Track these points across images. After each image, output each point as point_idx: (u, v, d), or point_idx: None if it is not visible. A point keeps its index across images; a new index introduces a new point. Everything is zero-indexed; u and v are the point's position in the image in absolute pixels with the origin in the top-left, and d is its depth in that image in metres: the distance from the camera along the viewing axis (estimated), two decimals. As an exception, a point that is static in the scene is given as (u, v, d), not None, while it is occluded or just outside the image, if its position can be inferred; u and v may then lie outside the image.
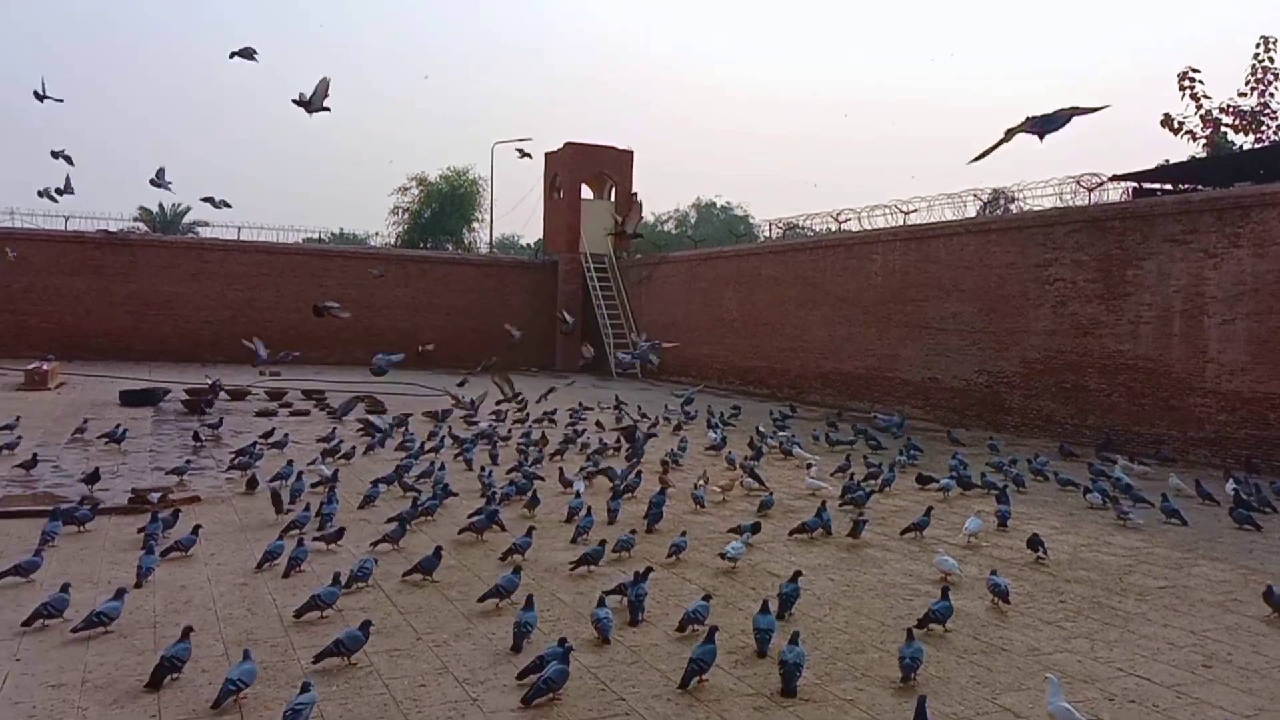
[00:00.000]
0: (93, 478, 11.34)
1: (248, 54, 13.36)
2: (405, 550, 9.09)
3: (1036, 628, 7.44)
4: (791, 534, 10.18)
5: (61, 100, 17.66)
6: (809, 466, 14.29)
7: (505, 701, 5.70)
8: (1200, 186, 19.51)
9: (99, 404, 19.92)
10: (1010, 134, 7.39)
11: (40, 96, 17.27)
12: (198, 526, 9.09)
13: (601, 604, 6.99)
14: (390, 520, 9.72)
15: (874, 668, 6.46)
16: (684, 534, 9.43)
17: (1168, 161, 21.94)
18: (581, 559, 8.57)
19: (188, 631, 6.10)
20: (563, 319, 29.42)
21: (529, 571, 8.50)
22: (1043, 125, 8.21)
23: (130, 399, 20.28)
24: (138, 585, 7.64)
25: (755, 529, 9.83)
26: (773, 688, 6.01)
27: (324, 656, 6.08)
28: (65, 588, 6.98)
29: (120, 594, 6.87)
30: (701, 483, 12.73)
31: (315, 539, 9.12)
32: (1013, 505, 11.53)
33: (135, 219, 48.78)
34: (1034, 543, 9.64)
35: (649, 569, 7.89)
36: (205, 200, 20.33)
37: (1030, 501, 12.70)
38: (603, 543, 9.04)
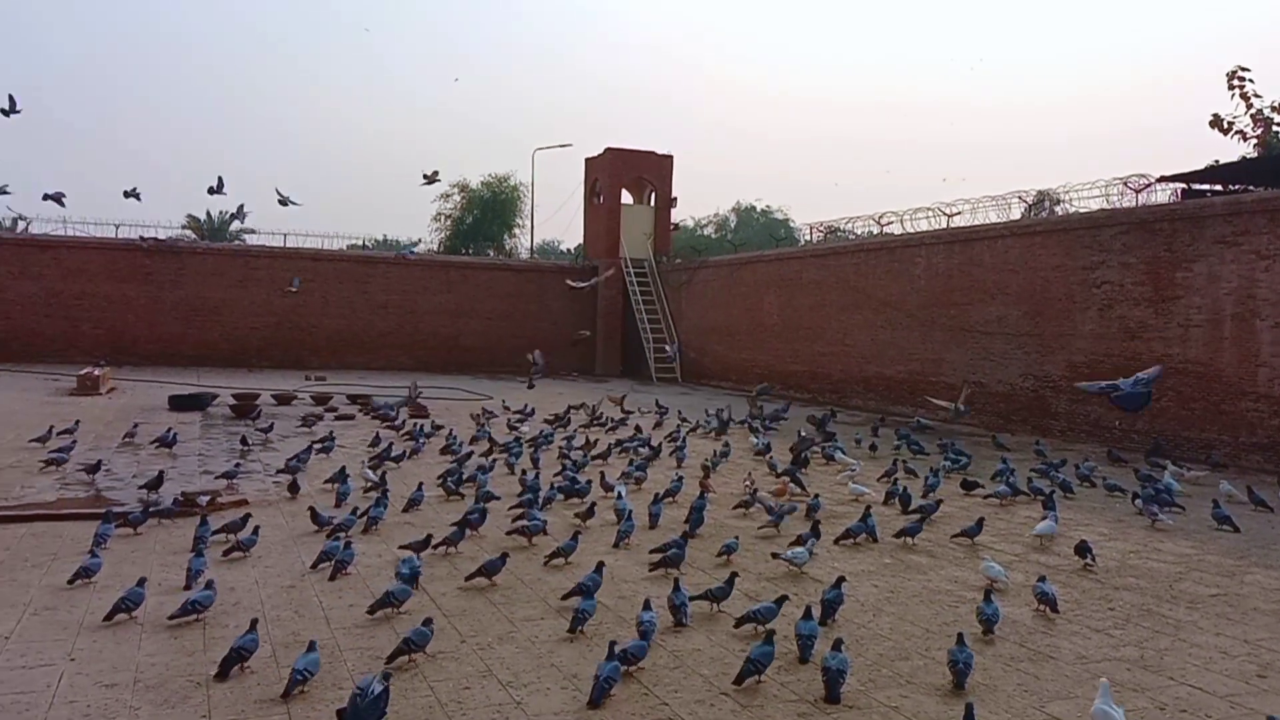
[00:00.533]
0: (156, 483, 11.54)
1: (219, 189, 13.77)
2: (455, 554, 9.17)
3: (1085, 635, 7.34)
4: (837, 541, 10.12)
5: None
6: (851, 471, 14.21)
7: (549, 705, 5.72)
8: (1251, 187, 19.12)
9: (149, 408, 20.28)
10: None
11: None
12: (257, 527, 9.27)
13: (647, 607, 7.00)
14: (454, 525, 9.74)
15: (919, 675, 6.40)
16: (735, 537, 9.55)
17: (1217, 162, 21.55)
18: (661, 561, 8.68)
19: (254, 623, 6.35)
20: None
21: (571, 575, 8.53)
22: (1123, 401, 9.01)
23: (179, 404, 20.63)
24: (187, 587, 7.77)
25: (816, 534, 9.74)
26: (816, 694, 5.98)
27: (396, 656, 6.23)
28: (141, 582, 7.22)
29: (210, 584, 7.26)
30: (749, 484, 12.77)
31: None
32: (1060, 511, 11.38)
33: (183, 227, 49.65)
34: (1082, 549, 9.51)
35: (734, 574, 7.98)
36: (280, 202, 20.70)
37: (1078, 508, 12.52)
38: (684, 537, 9.22)
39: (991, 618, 7.23)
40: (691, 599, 7.51)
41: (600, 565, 8.01)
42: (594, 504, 11.11)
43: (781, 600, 7.23)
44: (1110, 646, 7.10)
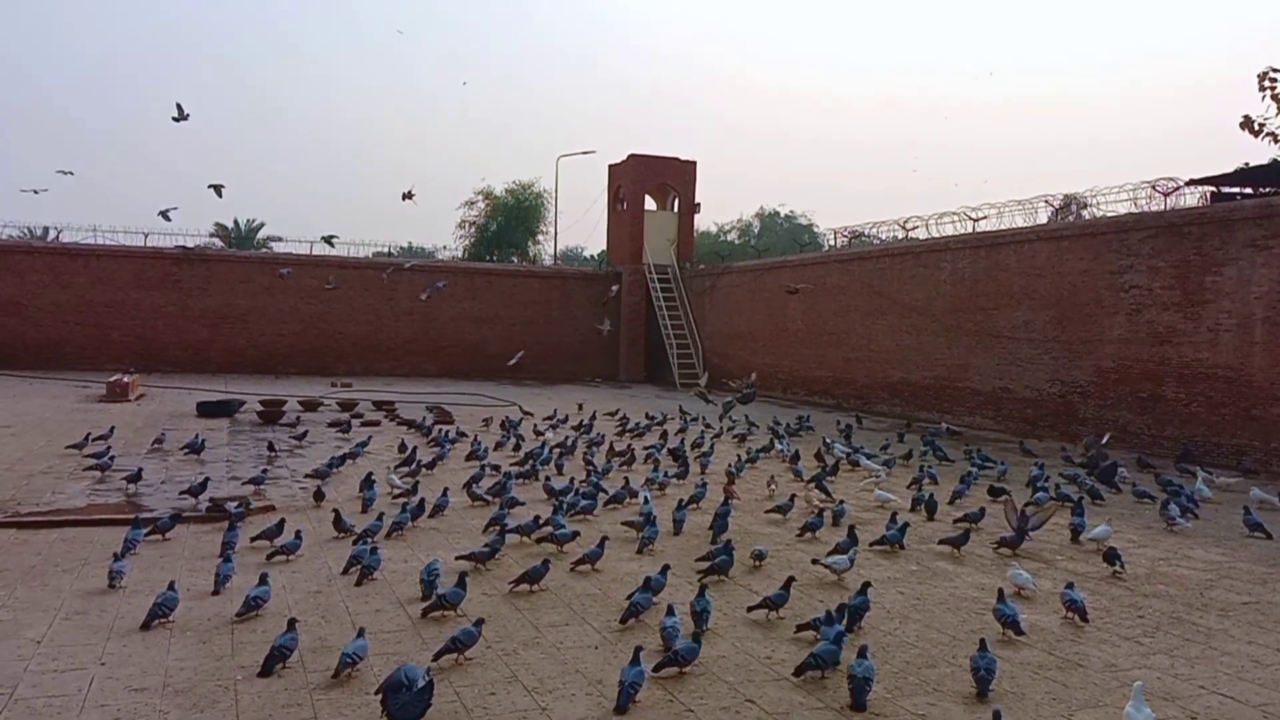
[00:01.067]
0: (199, 488, 11.69)
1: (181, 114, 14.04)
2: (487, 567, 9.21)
3: (1114, 643, 7.27)
4: (871, 545, 10.07)
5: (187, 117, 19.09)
6: (876, 478, 14.15)
7: (573, 711, 5.73)
8: (1282, 190, 18.91)
9: (177, 415, 20.48)
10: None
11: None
12: (299, 531, 9.38)
13: (670, 613, 7.00)
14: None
15: (945, 682, 6.36)
16: (764, 548, 9.66)
17: (1248, 164, 21.31)
18: (710, 568, 8.74)
19: (292, 623, 6.51)
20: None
21: (598, 581, 8.54)
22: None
23: (207, 410, 20.81)
24: (215, 593, 7.84)
25: (854, 540, 9.59)
26: (841, 701, 5.96)
27: (442, 654, 6.33)
28: (172, 585, 7.31)
29: (264, 578, 7.52)
30: (772, 488, 12.76)
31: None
32: (1088, 518, 11.28)
33: (210, 235, 50.10)
34: (1110, 556, 9.41)
35: (791, 578, 8.03)
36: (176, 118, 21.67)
37: (1106, 515, 12.39)
38: (729, 545, 9.19)
39: (1012, 616, 7.26)
40: (751, 608, 7.59)
41: (665, 568, 8.27)
42: (652, 515, 10.65)
43: (789, 582, 7.69)
44: (1140, 654, 7.03)
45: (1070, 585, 8.06)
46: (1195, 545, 10.72)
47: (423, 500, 11.08)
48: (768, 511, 11.74)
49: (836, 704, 5.94)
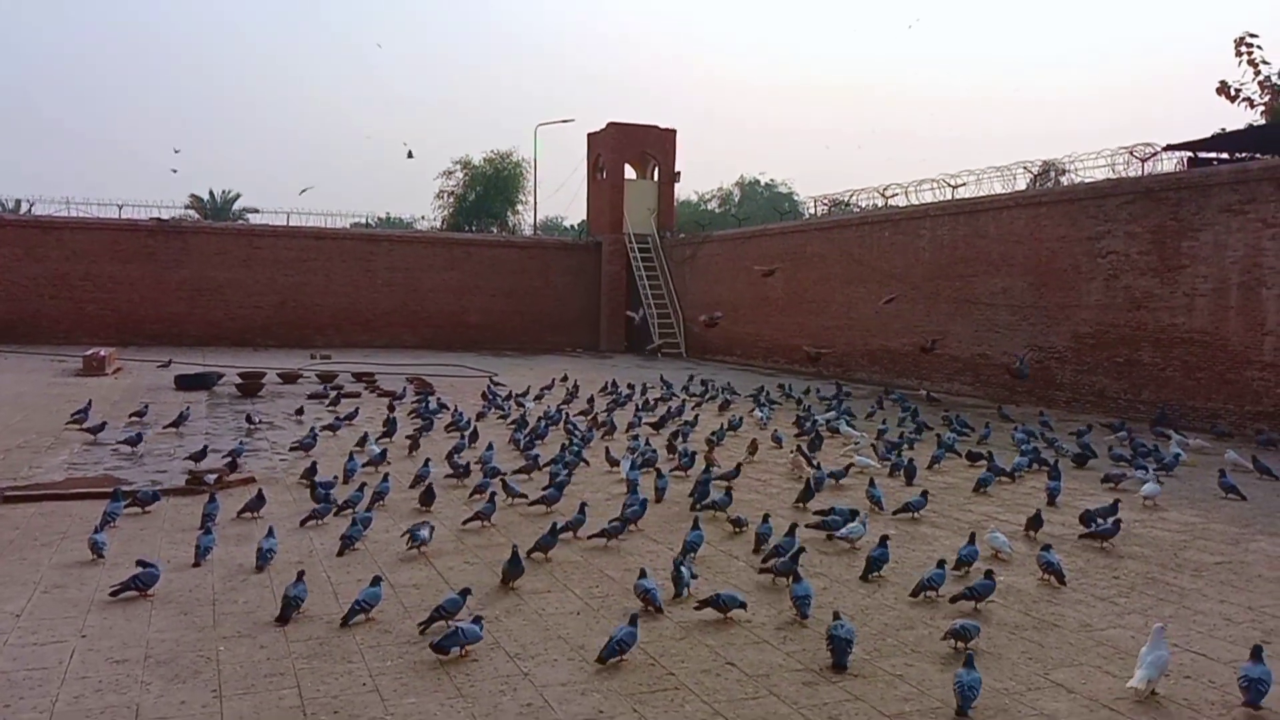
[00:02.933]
0: (200, 454, 11.89)
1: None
2: (483, 529, 9.23)
3: (1089, 604, 7.36)
4: (895, 514, 10.17)
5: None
6: (856, 444, 14.24)
7: (555, 675, 5.77)
8: (1258, 155, 19.00)
9: (155, 388, 20.33)
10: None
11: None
12: (369, 508, 9.49)
13: (643, 575, 7.14)
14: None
15: (923, 643, 6.44)
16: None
17: (1224, 130, 21.42)
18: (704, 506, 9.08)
19: (301, 575, 6.86)
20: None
21: (578, 548, 8.58)
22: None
23: (185, 383, 20.67)
24: (196, 564, 7.83)
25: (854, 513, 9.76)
26: (822, 663, 6.02)
27: (429, 623, 6.37)
28: (150, 561, 7.26)
29: (272, 531, 8.09)
30: (795, 455, 12.94)
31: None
32: (1064, 481, 11.40)
33: (186, 206, 49.61)
34: (1087, 518, 9.53)
35: (802, 548, 8.05)
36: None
37: (1082, 477, 12.54)
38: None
39: (968, 557, 7.99)
40: (760, 571, 7.69)
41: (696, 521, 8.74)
42: (635, 483, 10.79)
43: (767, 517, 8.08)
44: (1115, 614, 7.13)
45: (1047, 548, 8.15)
46: (1170, 507, 10.86)
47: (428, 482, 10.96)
48: (801, 487, 11.78)
49: (816, 665, 6.00)
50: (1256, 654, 5.63)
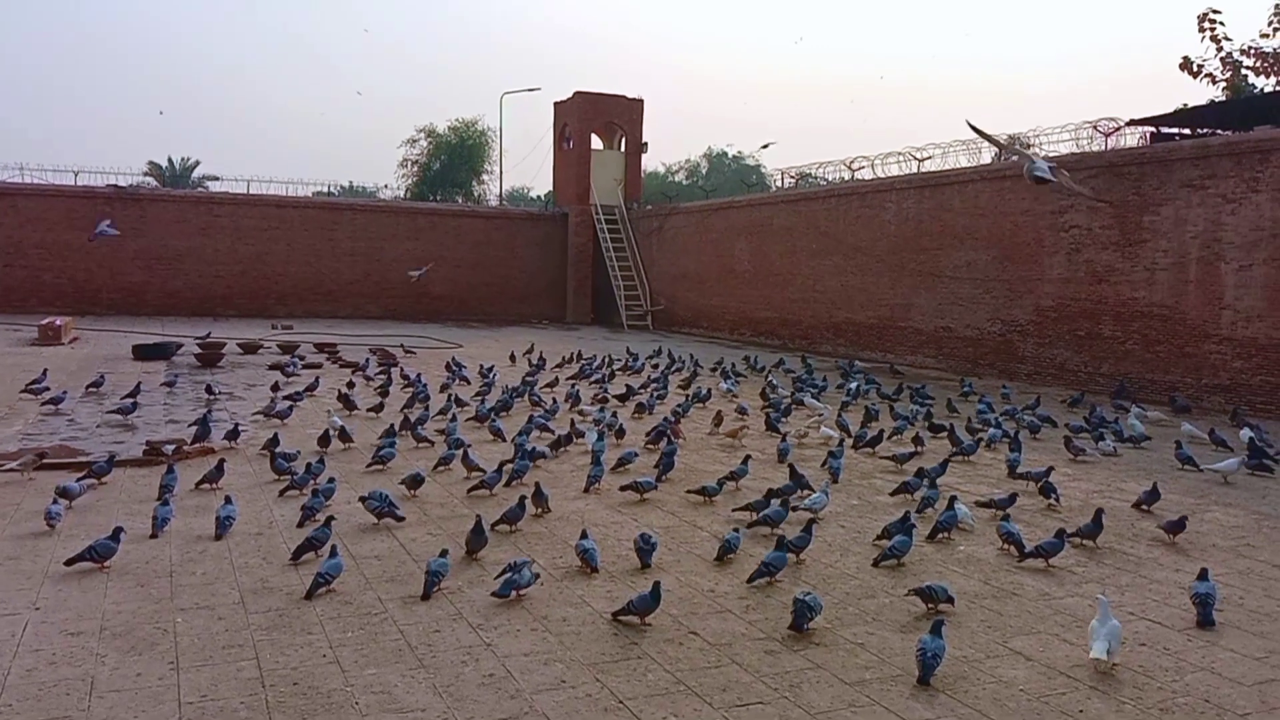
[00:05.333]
0: (203, 424, 11.73)
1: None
2: (417, 497, 9.17)
3: (1048, 573, 7.45)
4: (893, 494, 10.02)
5: None
6: (820, 416, 14.29)
7: (518, 645, 5.75)
8: (1219, 130, 19.20)
9: (112, 358, 20.01)
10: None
11: None
12: (332, 478, 9.33)
13: (585, 536, 7.32)
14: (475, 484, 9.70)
15: (884, 612, 6.49)
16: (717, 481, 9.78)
17: (1186, 105, 21.62)
18: (759, 521, 8.55)
19: (334, 550, 6.88)
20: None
21: (543, 520, 8.56)
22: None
23: (144, 353, 20.36)
24: (153, 536, 7.73)
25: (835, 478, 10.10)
26: (784, 633, 6.05)
27: (428, 595, 6.49)
28: (116, 535, 7.09)
29: (230, 499, 8.05)
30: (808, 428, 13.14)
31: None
32: (1024, 453, 11.52)
33: (144, 173, 48.71)
34: (1046, 489, 9.64)
35: (812, 522, 8.09)
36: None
37: (1042, 449, 12.67)
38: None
39: (947, 522, 8.26)
40: (750, 525, 7.74)
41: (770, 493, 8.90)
42: (600, 454, 10.68)
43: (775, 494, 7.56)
44: (1073, 583, 7.22)
45: (1006, 518, 8.24)
46: (1127, 478, 11.00)
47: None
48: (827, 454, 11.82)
49: (778, 634, 6.03)
50: (1204, 575, 6.62)
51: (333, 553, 6.83)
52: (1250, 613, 6.65)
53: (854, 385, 17.49)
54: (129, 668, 5.31)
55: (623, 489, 9.57)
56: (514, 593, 6.49)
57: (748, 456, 10.78)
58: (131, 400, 13.60)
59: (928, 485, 9.61)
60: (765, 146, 31.18)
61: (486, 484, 9.58)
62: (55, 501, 8.10)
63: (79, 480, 9.01)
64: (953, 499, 8.73)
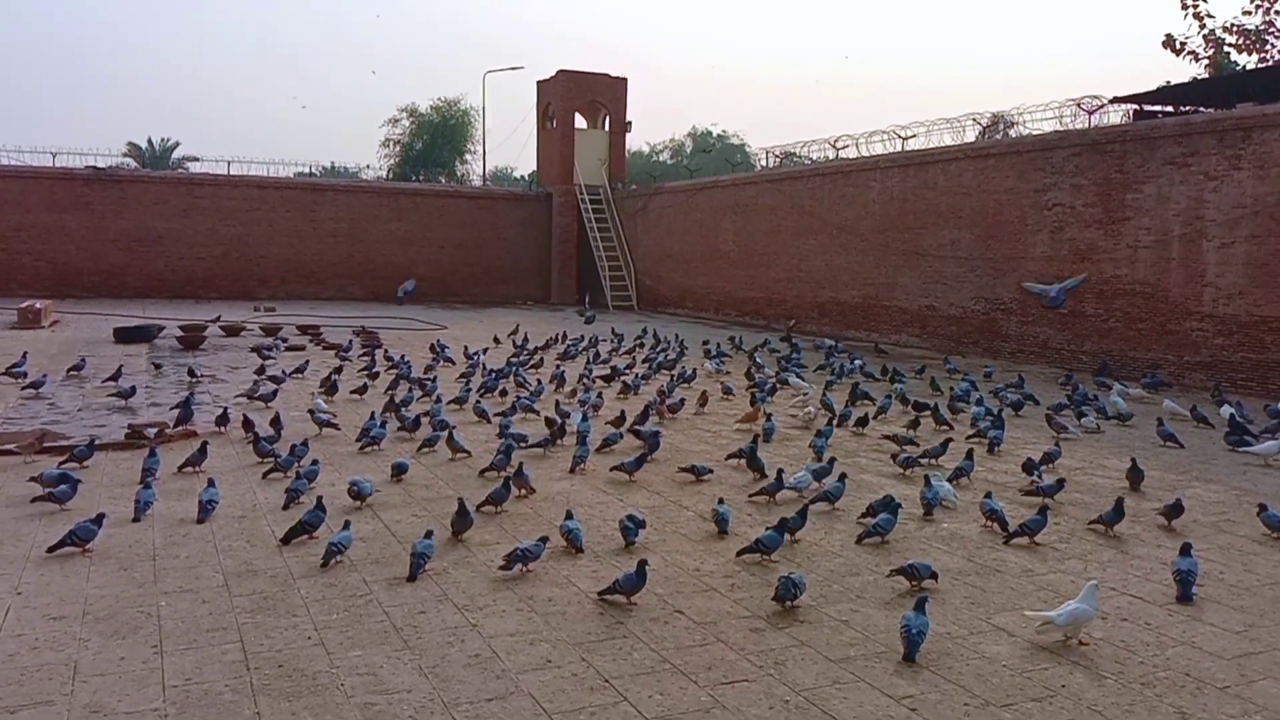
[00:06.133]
0: (186, 406, 11.65)
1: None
2: (409, 481, 9.16)
3: (1030, 549, 7.50)
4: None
5: None
6: (805, 395, 14.33)
7: (504, 626, 5.75)
8: (1202, 108, 19.23)
9: (93, 341, 19.86)
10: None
11: None
12: (316, 460, 9.32)
13: (569, 515, 7.34)
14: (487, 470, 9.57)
15: (869, 590, 6.52)
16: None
17: (1169, 83, 21.65)
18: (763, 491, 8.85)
19: (347, 524, 7.16)
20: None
21: (528, 500, 8.56)
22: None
23: (125, 336, 20.22)
24: (135, 519, 7.69)
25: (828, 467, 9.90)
26: (768, 610, 6.08)
27: (413, 577, 6.50)
28: (99, 519, 7.07)
29: (211, 484, 8.08)
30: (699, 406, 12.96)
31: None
32: (1007, 430, 11.57)
33: (124, 154, 48.27)
34: (1029, 466, 9.69)
35: (807, 504, 8.07)
36: None
37: (1026, 426, 12.74)
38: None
39: (932, 500, 8.40)
40: (769, 529, 7.38)
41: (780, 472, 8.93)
42: (585, 435, 10.76)
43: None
44: (1055, 559, 7.27)
45: (989, 495, 8.29)
46: (1110, 455, 11.08)
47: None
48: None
49: (763, 612, 6.05)
50: (1185, 550, 6.66)
51: (344, 525, 7.14)
52: (1230, 587, 6.71)
53: (837, 364, 17.53)
54: (112, 652, 5.29)
55: (613, 469, 9.59)
56: (519, 567, 6.62)
57: (756, 437, 10.87)
58: (131, 384, 13.54)
59: (965, 458, 9.88)
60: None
61: (495, 466, 9.41)
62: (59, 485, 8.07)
63: (60, 465, 8.96)
64: (927, 477, 8.76)
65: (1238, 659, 5.53)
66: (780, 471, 8.98)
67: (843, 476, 8.84)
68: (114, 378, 14.43)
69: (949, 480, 9.20)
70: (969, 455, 9.89)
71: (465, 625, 5.76)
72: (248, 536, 7.42)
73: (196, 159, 46.57)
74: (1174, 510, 8.21)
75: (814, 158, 29.52)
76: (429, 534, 6.84)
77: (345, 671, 5.11)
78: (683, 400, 13.42)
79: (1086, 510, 8.63)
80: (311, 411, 11.92)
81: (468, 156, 49.29)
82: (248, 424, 11.18)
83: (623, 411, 12.23)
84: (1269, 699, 5.04)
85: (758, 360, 17.94)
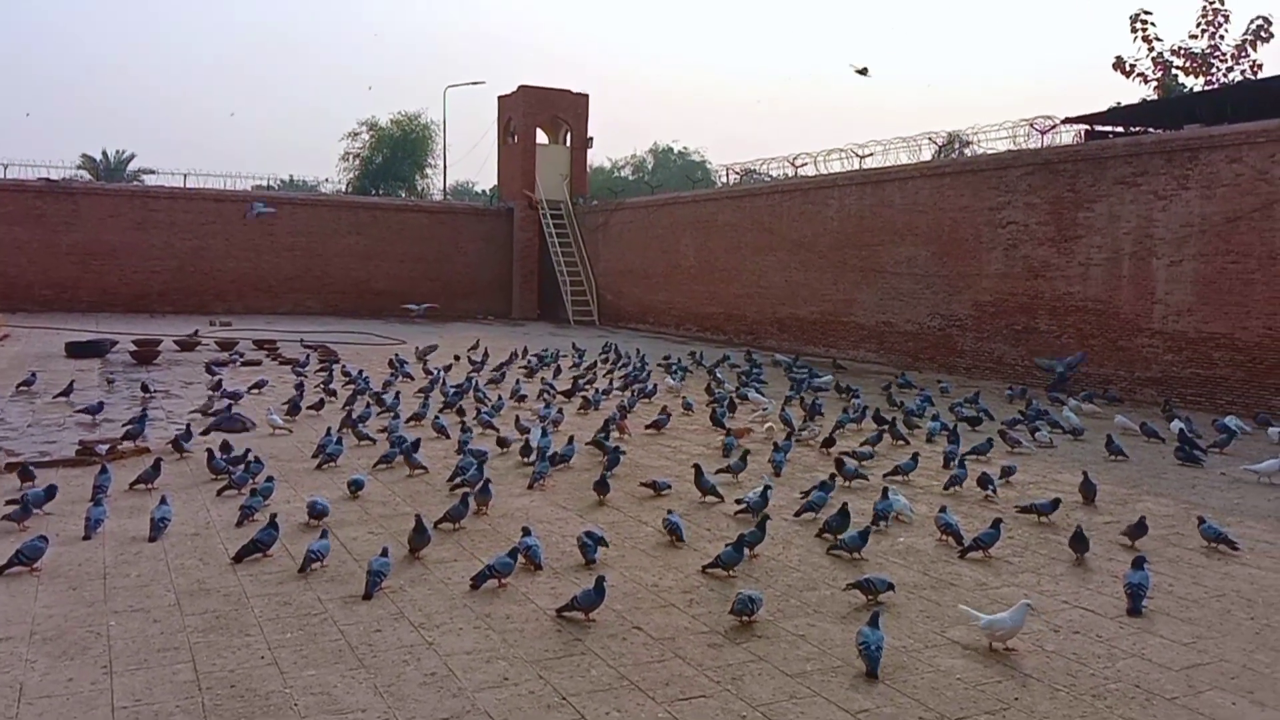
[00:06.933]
0: (139, 423, 11.49)
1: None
2: (365, 499, 9.08)
3: (985, 563, 7.59)
4: (886, 476, 10.38)
5: None
6: (765, 411, 14.40)
7: (460, 644, 5.72)
8: (1151, 129, 19.65)
9: (45, 356, 19.51)
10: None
11: None
12: (271, 476, 9.21)
13: (527, 532, 7.30)
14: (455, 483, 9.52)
15: (825, 604, 6.56)
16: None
17: (1119, 104, 22.06)
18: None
19: (274, 518, 7.40)
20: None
21: (486, 517, 8.53)
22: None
23: (77, 350, 19.88)
24: (86, 537, 7.56)
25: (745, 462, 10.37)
26: (726, 626, 6.10)
27: (370, 595, 6.44)
28: (43, 537, 6.96)
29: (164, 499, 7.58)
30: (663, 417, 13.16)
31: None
32: (961, 445, 11.70)
33: (77, 167, 47.57)
34: (983, 481, 9.81)
35: (766, 517, 8.12)
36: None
37: (981, 441, 12.87)
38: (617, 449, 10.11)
39: (883, 511, 8.51)
40: (727, 545, 7.35)
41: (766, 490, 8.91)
42: (545, 450, 10.64)
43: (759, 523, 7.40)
44: (1009, 573, 7.36)
45: (944, 509, 8.38)
46: (1062, 469, 11.24)
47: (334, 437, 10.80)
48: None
49: (722, 628, 6.07)
50: (1138, 564, 6.73)
51: (321, 535, 7.26)
52: (1179, 600, 6.83)
53: (800, 379, 17.62)
54: (60, 673, 5.19)
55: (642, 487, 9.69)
56: (496, 581, 6.67)
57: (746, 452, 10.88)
58: (98, 400, 13.33)
59: (957, 465, 10.25)
60: (862, 71, 30.50)
61: (467, 481, 9.30)
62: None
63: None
64: (886, 489, 8.86)
65: (1186, 670, 5.62)
66: (767, 488, 9.04)
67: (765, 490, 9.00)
68: (65, 393, 14.21)
69: (895, 485, 9.37)
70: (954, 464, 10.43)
71: (422, 643, 5.72)
72: (201, 554, 7.32)
73: (152, 171, 46.12)
74: (1138, 529, 8.14)
75: (773, 175, 29.75)
76: (385, 551, 6.79)
77: (299, 691, 5.05)
78: (668, 415, 13.53)
79: (1039, 525, 8.75)
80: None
81: (428, 171, 49.16)
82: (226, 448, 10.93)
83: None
84: (1215, 709, 5.13)
85: (718, 376, 18.02)
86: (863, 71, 26.74)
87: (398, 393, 14.94)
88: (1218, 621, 6.42)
